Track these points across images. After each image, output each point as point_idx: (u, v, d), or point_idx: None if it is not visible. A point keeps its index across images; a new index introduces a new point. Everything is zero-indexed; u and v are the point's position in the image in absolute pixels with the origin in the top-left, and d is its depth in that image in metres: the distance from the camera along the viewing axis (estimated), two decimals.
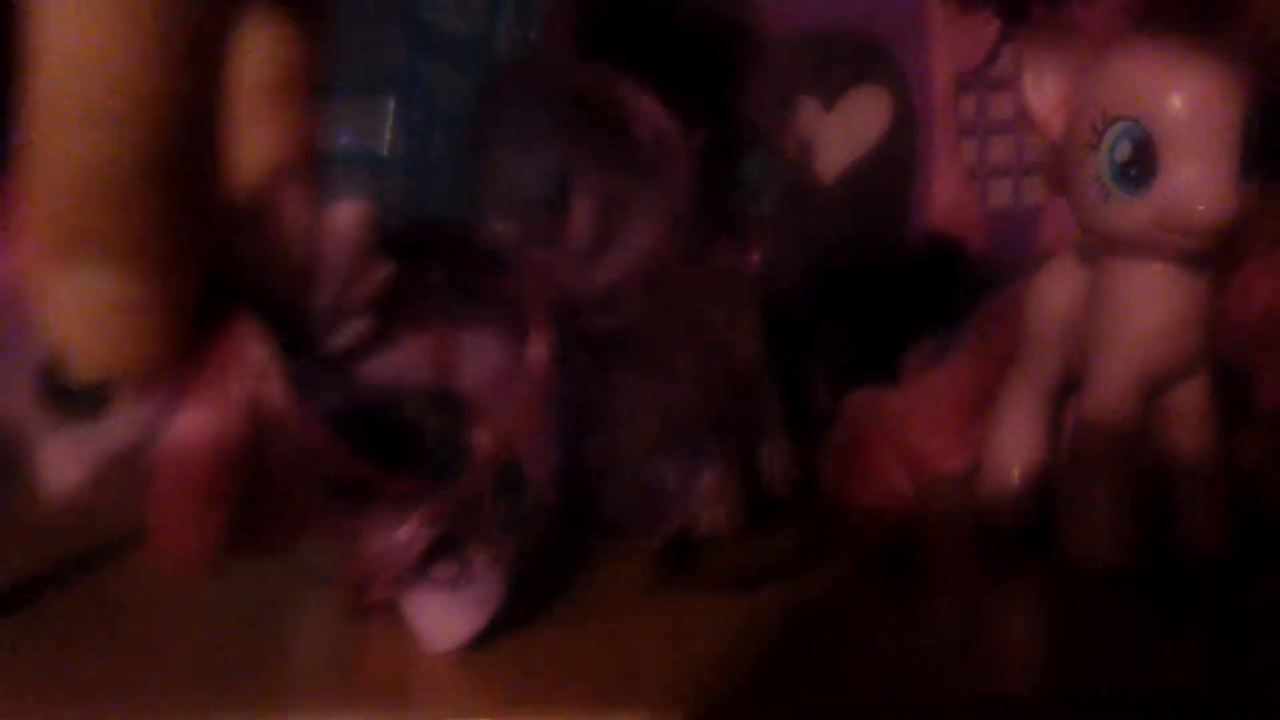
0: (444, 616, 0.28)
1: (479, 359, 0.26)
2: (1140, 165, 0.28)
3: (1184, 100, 0.27)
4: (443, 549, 0.27)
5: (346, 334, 0.24)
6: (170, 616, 0.31)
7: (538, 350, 0.26)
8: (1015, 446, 0.33)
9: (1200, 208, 0.27)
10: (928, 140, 0.56)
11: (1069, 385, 0.32)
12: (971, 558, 0.33)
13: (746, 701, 0.25)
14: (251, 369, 0.22)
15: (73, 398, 0.22)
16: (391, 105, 0.59)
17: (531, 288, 0.26)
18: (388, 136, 0.59)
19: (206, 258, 0.21)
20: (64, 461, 0.22)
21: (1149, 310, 0.29)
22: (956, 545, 0.34)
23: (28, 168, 0.19)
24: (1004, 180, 0.56)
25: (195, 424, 0.22)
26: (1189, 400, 0.30)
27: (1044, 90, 0.30)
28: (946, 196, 0.56)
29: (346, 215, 0.24)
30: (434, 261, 0.26)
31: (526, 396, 0.26)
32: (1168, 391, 0.30)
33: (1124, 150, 0.28)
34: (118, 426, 0.22)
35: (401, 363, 0.25)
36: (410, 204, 0.57)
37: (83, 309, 0.20)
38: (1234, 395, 0.31)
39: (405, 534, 0.26)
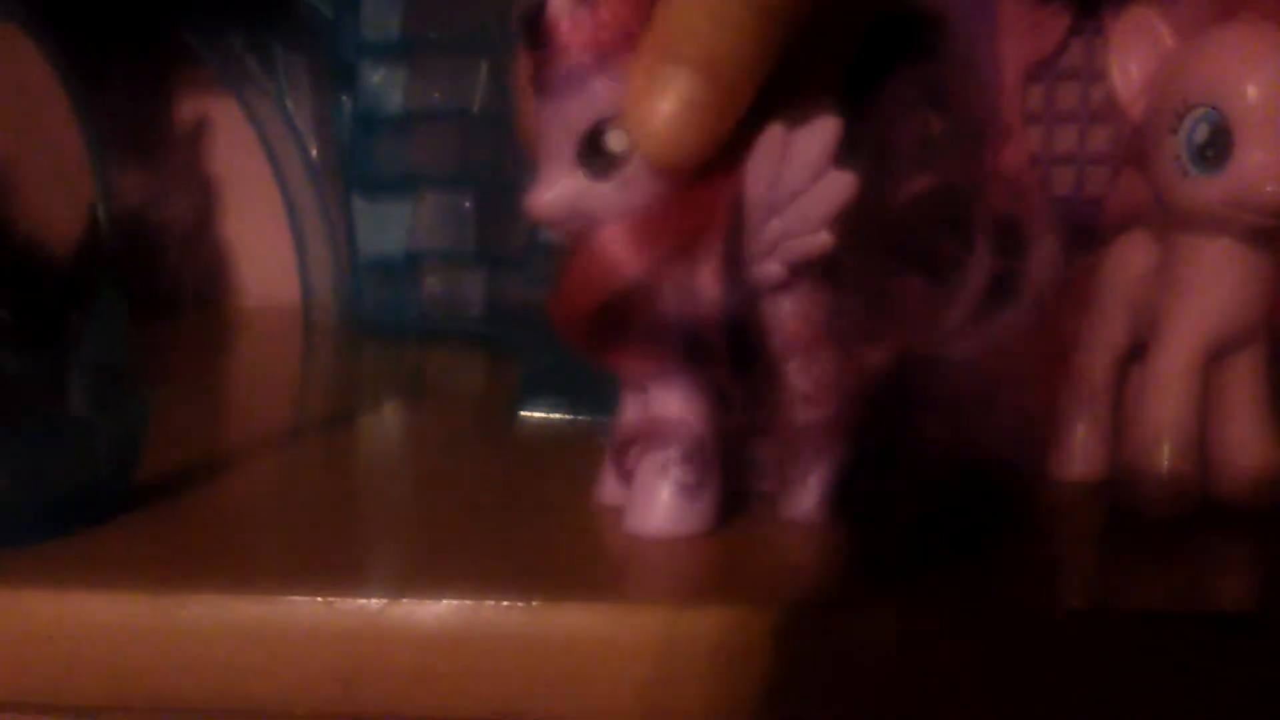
0: (663, 508, 0.31)
1: None
2: (1216, 147, 0.31)
3: (1258, 89, 0.30)
4: (693, 455, 0.30)
5: None
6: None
7: None
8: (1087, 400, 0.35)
9: (1269, 188, 0.30)
10: (995, 127, 0.58)
11: (1134, 351, 0.34)
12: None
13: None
14: None
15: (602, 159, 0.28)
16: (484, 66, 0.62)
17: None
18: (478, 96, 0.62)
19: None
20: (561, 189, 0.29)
21: (1215, 282, 0.32)
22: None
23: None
24: (1067, 170, 0.58)
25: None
26: (1248, 367, 0.33)
27: (1129, 75, 0.33)
28: (1011, 177, 0.58)
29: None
30: None
31: None
32: (1229, 358, 0.33)
33: (1202, 133, 0.31)
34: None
35: None
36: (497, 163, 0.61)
37: (668, 101, 0.26)
38: None
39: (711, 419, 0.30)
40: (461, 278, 0.65)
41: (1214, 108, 0.31)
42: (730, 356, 0.29)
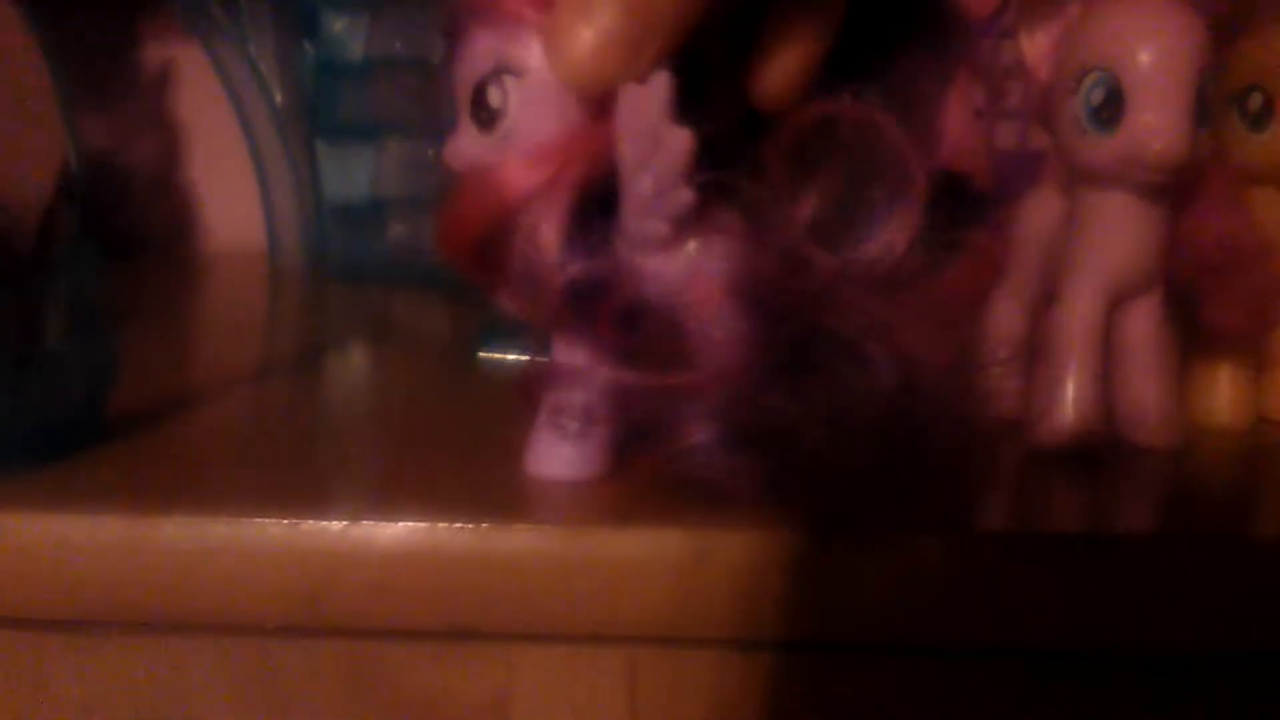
0: (553, 453, 0.32)
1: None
2: (1110, 108, 0.33)
3: (1149, 54, 0.33)
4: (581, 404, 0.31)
5: None
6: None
7: None
8: (1000, 343, 0.38)
9: (1157, 146, 0.33)
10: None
11: (1046, 296, 0.37)
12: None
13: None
14: None
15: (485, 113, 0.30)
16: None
17: None
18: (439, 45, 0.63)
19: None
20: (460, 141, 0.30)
21: (1114, 234, 0.35)
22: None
23: None
24: (1011, 124, 0.60)
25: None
26: (1146, 312, 0.36)
27: (1035, 40, 0.36)
28: (956, 135, 0.60)
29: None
30: None
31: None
32: (1128, 303, 0.36)
33: (1098, 95, 0.34)
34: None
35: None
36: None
37: (588, 29, 0.28)
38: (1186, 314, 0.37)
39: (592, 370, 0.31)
40: (425, 224, 0.66)
41: (1109, 71, 0.33)
42: (574, 308, 0.29)
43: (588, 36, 0.28)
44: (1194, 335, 0.37)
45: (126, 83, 0.80)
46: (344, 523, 0.30)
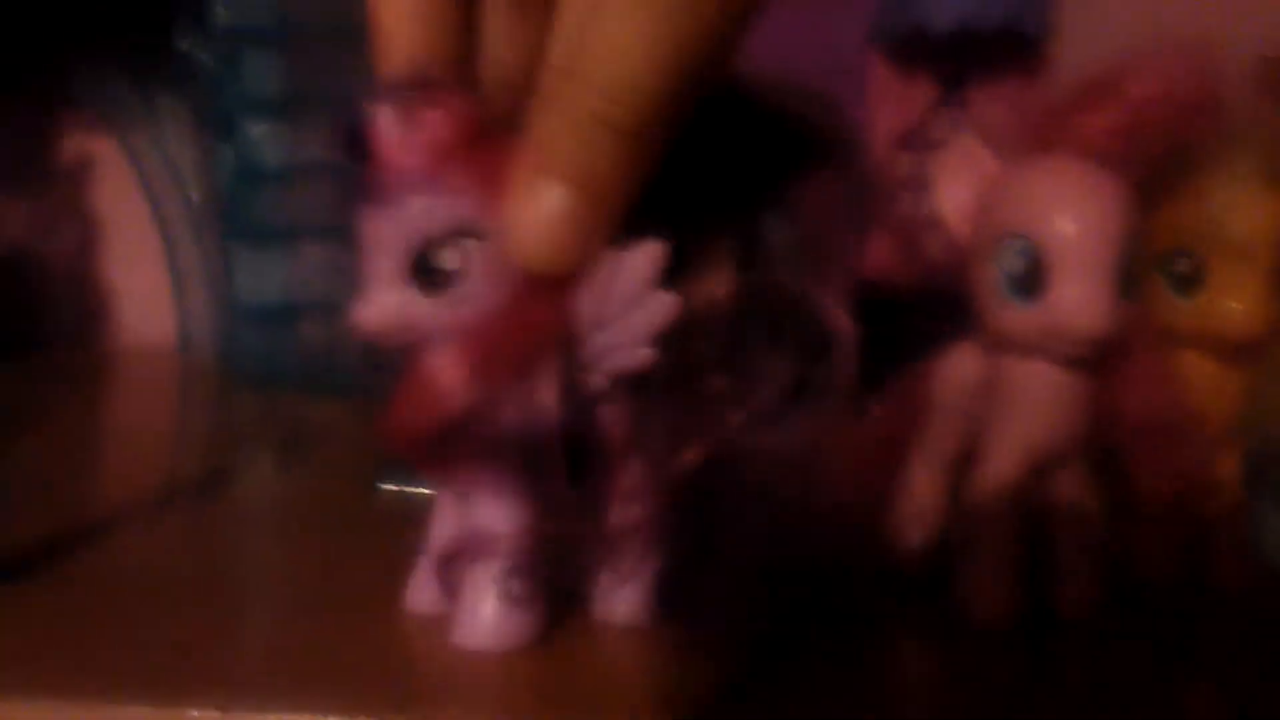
0: (492, 622, 0.31)
1: None
2: (1030, 279, 0.32)
3: (1070, 225, 0.31)
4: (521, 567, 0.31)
5: None
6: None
7: None
8: (917, 505, 0.36)
9: (1080, 322, 0.31)
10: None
11: (965, 456, 0.36)
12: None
13: None
14: None
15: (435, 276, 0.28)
16: None
17: None
18: None
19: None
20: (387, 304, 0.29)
21: (1037, 404, 0.33)
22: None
23: (540, 118, 0.26)
24: (935, 236, 0.60)
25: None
26: (1070, 482, 0.34)
27: (955, 198, 0.34)
28: (881, 249, 0.59)
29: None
30: None
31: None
32: (1052, 473, 0.34)
33: (1017, 264, 0.32)
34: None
35: None
36: None
37: (542, 211, 0.26)
38: (1113, 480, 0.35)
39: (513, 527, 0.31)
40: (338, 329, 0.65)
41: (1029, 239, 0.32)
42: (567, 466, 0.30)
43: (545, 224, 0.26)
44: (1123, 500, 0.36)
45: (44, 174, 0.78)
46: (212, 713, 0.27)
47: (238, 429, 0.62)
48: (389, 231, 0.29)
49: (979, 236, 0.33)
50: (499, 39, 0.32)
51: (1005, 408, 0.34)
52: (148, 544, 0.40)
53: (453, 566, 0.32)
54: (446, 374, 0.28)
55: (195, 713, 0.27)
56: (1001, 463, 0.34)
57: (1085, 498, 0.34)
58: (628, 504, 0.31)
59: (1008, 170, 0.33)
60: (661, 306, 0.29)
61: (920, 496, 0.36)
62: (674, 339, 0.30)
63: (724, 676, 0.31)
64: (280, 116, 0.64)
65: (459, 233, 0.28)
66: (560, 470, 0.30)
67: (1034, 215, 0.32)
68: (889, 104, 0.60)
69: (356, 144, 0.28)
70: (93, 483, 0.50)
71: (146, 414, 0.65)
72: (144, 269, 0.76)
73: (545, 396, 0.30)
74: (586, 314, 0.29)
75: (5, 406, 0.59)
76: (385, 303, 0.29)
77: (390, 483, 0.46)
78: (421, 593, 0.33)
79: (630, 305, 0.29)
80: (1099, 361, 0.33)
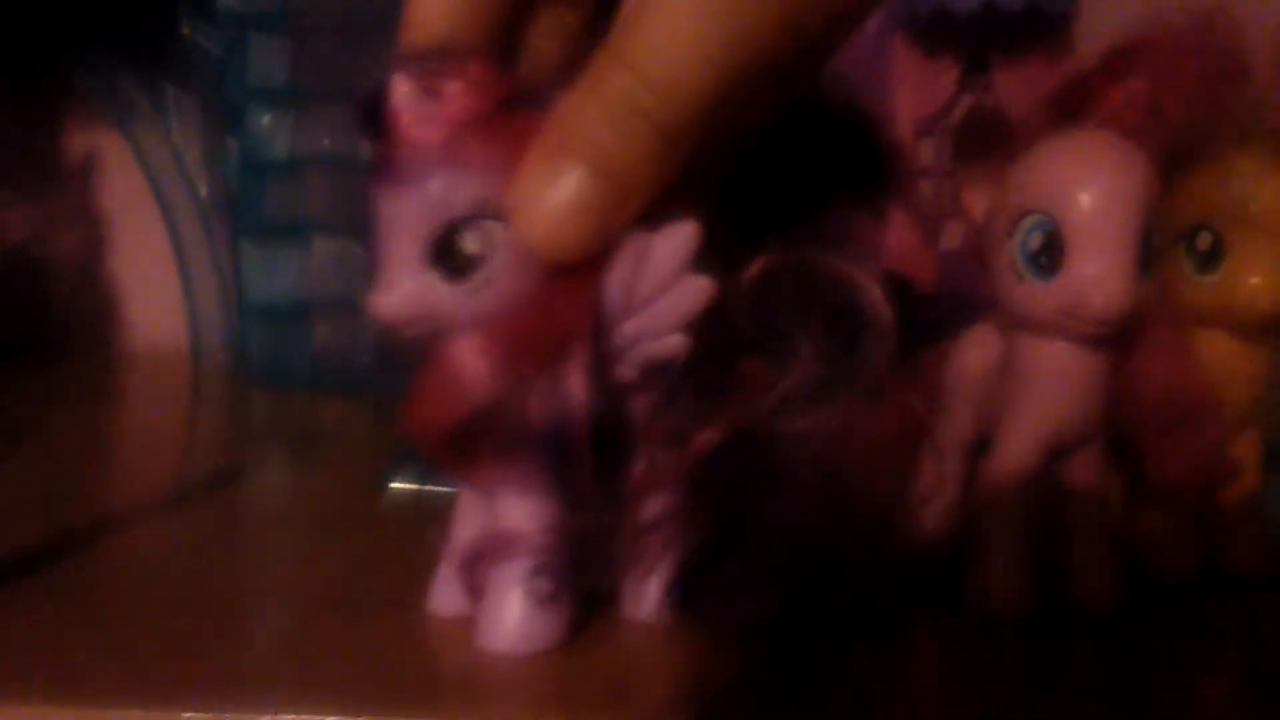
0: (519, 623, 0.29)
1: None
2: (1049, 255, 0.31)
3: (1090, 200, 0.30)
4: (548, 566, 0.29)
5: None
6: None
7: None
8: (933, 492, 0.36)
9: (1099, 299, 0.30)
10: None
11: (981, 441, 0.35)
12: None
13: None
14: None
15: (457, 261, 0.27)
16: None
17: None
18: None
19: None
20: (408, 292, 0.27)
21: (1053, 384, 0.32)
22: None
23: (574, 95, 0.26)
24: (955, 224, 0.59)
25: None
26: (1087, 465, 0.33)
27: (973, 179, 0.33)
28: (900, 236, 0.59)
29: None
30: None
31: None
32: (1068, 456, 0.33)
33: (1035, 240, 0.31)
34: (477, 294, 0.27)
35: None
36: None
37: (559, 195, 0.26)
38: (1130, 466, 0.35)
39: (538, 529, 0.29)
40: (353, 327, 0.64)
41: (1048, 216, 0.31)
42: (594, 460, 0.28)
43: (555, 202, 0.26)
44: (1139, 486, 0.35)
45: (48, 172, 0.78)
46: (207, 715, 0.27)
47: (249, 429, 0.63)
48: (407, 212, 0.27)
49: (997, 215, 0.32)
50: (540, 28, 0.31)
51: (1022, 388, 0.33)
52: (161, 544, 0.40)
53: (476, 567, 0.30)
54: (471, 365, 0.27)
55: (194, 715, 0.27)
56: (1018, 445, 0.33)
57: (1102, 483, 0.34)
58: (653, 496, 0.30)
59: (1025, 149, 0.32)
60: (695, 291, 0.28)
61: (936, 483, 0.35)
62: (707, 323, 0.29)
63: (750, 672, 0.30)
64: (288, 105, 0.64)
65: (481, 214, 0.27)
66: (587, 465, 0.28)
67: (1052, 190, 0.31)
68: (912, 87, 0.60)
69: (374, 119, 0.27)
70: (105, 482, 0.50)
71: (158, 414, 0.65)
72: (153, 268, 0.76)
73: (574, 387, 0.27)
74: (615, 299, 0.27)
75: (17, 407, 0.59)
76: (405, 289, 0.27)
77: (403, 481, 0.45)
78: (444, 595, 0.32)
79: (661, 290, 0.28)
80: (1117, 340, 0.32)
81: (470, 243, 0.27)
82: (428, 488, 0.44)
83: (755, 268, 0.29)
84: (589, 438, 0.28)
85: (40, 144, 0.78)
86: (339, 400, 0.62)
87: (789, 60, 0.26)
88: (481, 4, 0.29)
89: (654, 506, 0.30)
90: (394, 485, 0.45)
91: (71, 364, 0.75)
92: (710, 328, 0.29)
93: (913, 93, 0.60)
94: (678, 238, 0.27)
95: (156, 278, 0.76)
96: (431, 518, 0.32)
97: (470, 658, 0.30)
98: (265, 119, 0.64)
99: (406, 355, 0.29)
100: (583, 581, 0.31)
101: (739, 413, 0.29)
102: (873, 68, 0.60)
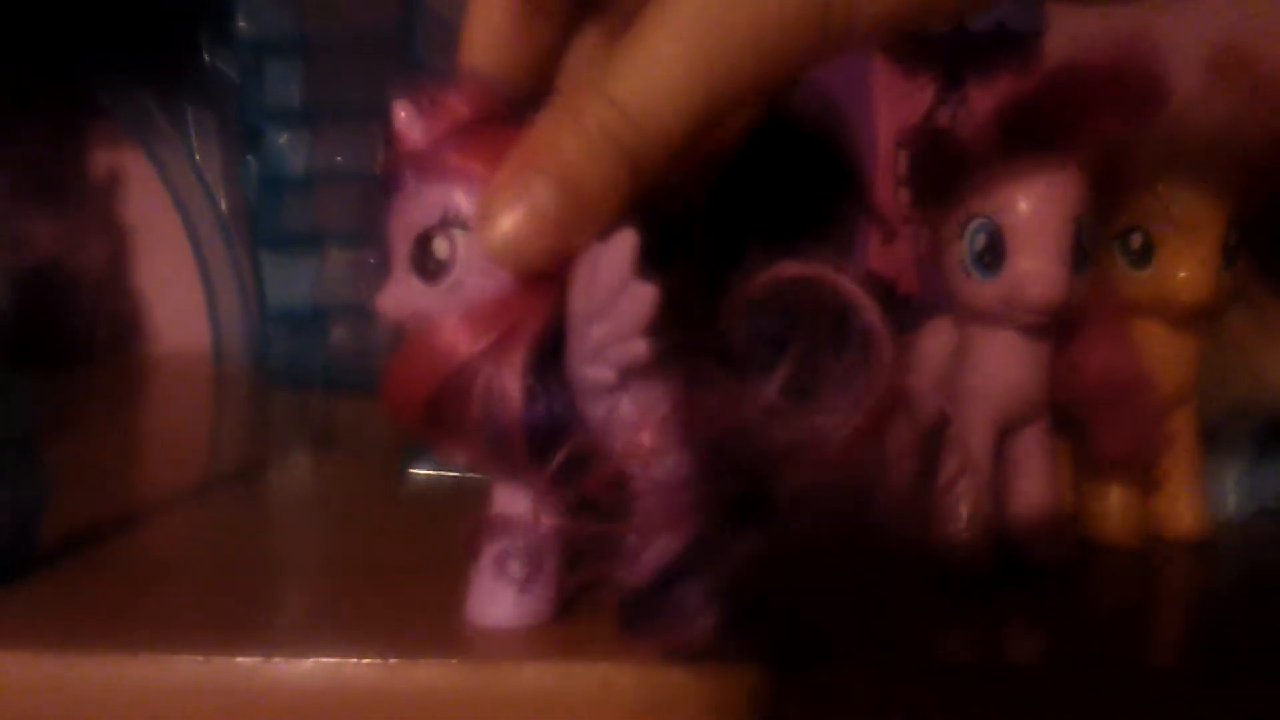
0: (500, 602, 0.32)
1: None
2: (992, 254, 0.35)
3: (1026, 205, 0.35)
4: (523, 550, 0.31)
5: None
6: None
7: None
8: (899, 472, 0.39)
9: (1035, 291, 0.34)
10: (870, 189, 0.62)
11: (942, 421, 0.38)
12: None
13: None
14: None
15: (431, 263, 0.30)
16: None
17: None
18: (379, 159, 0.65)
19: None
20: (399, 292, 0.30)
21: (1000, 369, 0.37)
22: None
23: (549, 115, 0.28)
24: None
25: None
26: (1033, 440, 0.38)
27: (927, 186, 0.37)
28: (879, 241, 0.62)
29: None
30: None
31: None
32: (1016, 432, 0.37)
33: (980, 241, 0.35)
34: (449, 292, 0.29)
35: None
36: None
37: (521, 206, 0.28)
38: (1078, 441, 0.39)
39: (537, 518, 0.31)
40: (366, 330, 0.68)
41: (990, 219, 0.35)
42: (535, 457, 0.30)
43: (520, 217, 0.28)
44: (1084, 458, 0.39)
45: (74, 188, 0.82)
46: (256, 659, 0.30)
47: (271, 427, 0.66)
48: (397, 221, 0.30)
49: (948, 218, 0.37)
50: (581, 62, 0.33)
51: (973, 372, 0.37)
52: (196, 527, 0.43)
53: (475, 546, 0.33)
54: (442, 332, 0.29)
55: (243, 659, 0.31)
56: (971, 421, 0.37)
57: (1046, 456, 0.38)
58: (655, 496, 0.30)
59: (971, 158, 0.36)
60: (642, 296, 0.28)
61: (902, 461, 0.38)
62: (684, 326, 0.29)
63: (755, 675, 0.31)
64: (303, 124, 0.67)
65: (451, 222, 0.29)
66: (523, 461, 0.30)
67: (995, 196, 0.35)
68: (892, 102, 0.63)
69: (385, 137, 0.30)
70: (138, 476, 0.53)
71: (184, 414, 0.68)
72: (177, 278, 0.80)
73: (508, 385, 0.29)
74: (579, 307, 0.29)
75: (53, 410, 0.61)
76: (395, 292, 0.30)
77: (419, 468, 0.48)
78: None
79: (615, 297, 0.28)
80: (1058, 328, 0.36)
81: (439, 249, 0.30)
82: (444, 473, 0.47)
83: (756, 281, 0.30)
84: (524, 433, 0.29)
85: (69, 163, 0.81)
86: (355, 398, 0.65)
87: (765, 92, 0.29)
88: (530, 31, 0.32)
89: (642, 511, 0.31)
90: (412, 472, 0.48)
91: (102, 369, 0.78)
92: (702, 331, 0.30)
93: (892, 108, 0.63)
94: (620, 246, 0.28)
95: (181, 287, 0.79)
96: (447, 502, 0.35)
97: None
98: (282, 137, 0.68)
99: None
100: (580, 573, 0.33)
101: (724, 423, 0.30)
102: (855, 85, 0.63)
